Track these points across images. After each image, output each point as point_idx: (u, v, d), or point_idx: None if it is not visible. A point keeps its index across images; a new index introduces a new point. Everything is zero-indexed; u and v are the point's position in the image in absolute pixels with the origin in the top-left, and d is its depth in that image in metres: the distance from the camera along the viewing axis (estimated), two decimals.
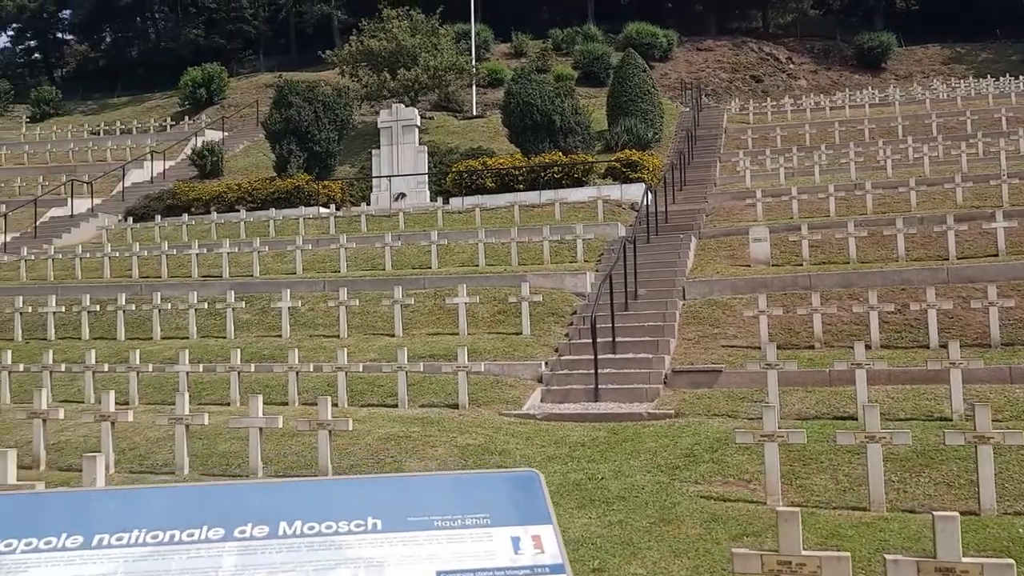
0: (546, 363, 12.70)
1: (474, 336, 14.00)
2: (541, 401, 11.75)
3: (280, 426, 8.57)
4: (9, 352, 13.13)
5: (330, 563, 1.75)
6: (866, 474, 7.20)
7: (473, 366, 11.26)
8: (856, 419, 9.62)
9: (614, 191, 21.56)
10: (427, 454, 8.98)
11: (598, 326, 12.20)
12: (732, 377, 11.53)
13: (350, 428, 8.52)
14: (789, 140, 27.53)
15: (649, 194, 18.79)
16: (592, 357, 11.92)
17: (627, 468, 8.31)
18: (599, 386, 11.66)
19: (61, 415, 9.25)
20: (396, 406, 11.33)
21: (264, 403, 8.85)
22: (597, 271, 16.06)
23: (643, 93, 28.24)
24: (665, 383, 11.82)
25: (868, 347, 11.17)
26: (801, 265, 15.60)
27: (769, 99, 35.69)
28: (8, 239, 23.57)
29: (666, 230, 18.28)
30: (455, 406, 11.17)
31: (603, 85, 35.11)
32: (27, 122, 43.37)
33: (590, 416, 10.86)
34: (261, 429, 8.57)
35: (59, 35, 56.96)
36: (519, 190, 22.36)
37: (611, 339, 12.77)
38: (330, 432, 8.39)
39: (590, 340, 12.11)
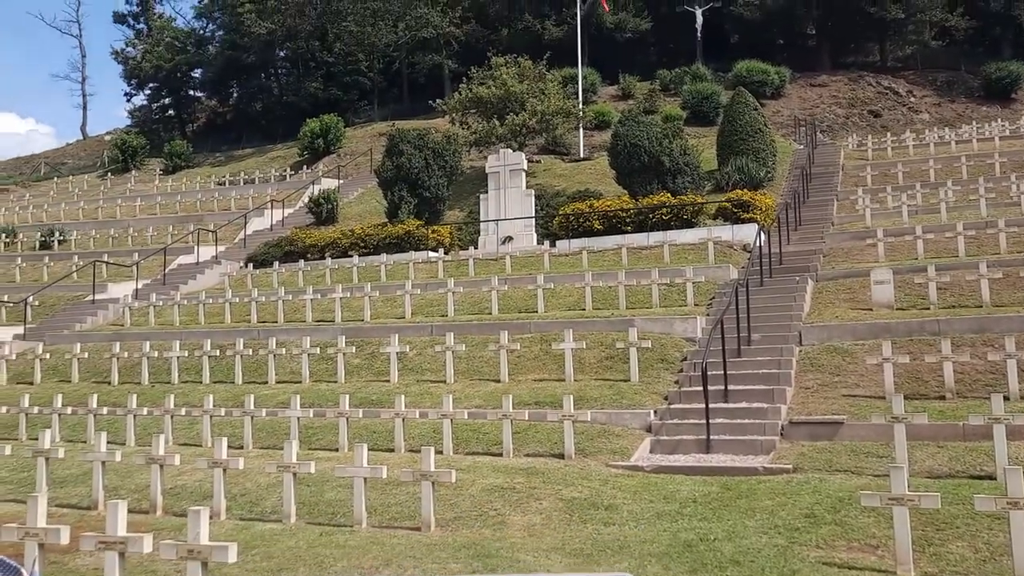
0: (655, 411, 12.30)
1: (580, 382, 13.75)
2: (650, 452, 11.36)
3: (384, 476, 8.54)
4: (135, 396, 13.68)
5: None
6: (1009, 543, 6.56)
7: (579, 415, 11.01)
8: (995, 479, 8.86)
9: (725, 232, 20.99)
10: (531, 507, 8.76)
11: (709, 373, 11.75)
12: (855, 429, 10.86)
13: (453, 480, 8.41)
14: (912, 176, 26.29)
15: (762, 235, 18.18)
16: (703, 406, 11.48)
17: (742, 528, 7.86)
18: (711, 437, 11.19)
19: (177, 461, 9.50)
20: (501, 455, 11.17)
21: (370, 450, 8.86)
22: (708, 315, 15.58)
23: (754, 131, 27.60)
24: (781, 435, 11.23)
25: (1006, 399, 10.33)
26: (928, 309, 14.70)
27: (889, 134, 34.30)
28: (140, 286, 24.84)
29: (780, 272, 17.62)
30: (561, 456, 10.92)
31: (712, 124, 34.60)
32: (160, 174, 46.09)
33: (701, 469, 10.41)
34: (366, 479, 8.56)
35: (191, 92, 60.54)
36: (627, 232, 22.07)
37: (723, 387, 12.29)
38: (433, 483, 8.31)
39: (701, 388, 11.67)
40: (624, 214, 22.46)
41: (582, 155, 34.28)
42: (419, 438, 12.12)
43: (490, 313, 17.90)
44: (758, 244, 17.75)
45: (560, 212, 23.89)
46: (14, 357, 19.50)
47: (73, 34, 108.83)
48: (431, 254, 23.86)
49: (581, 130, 34.87)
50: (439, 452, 10.28)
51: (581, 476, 9.91)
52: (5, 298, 24.44)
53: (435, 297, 19.33)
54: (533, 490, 9.28)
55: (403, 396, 12.08)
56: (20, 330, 22.00)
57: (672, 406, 12.45)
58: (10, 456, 11.18)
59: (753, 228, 20.65)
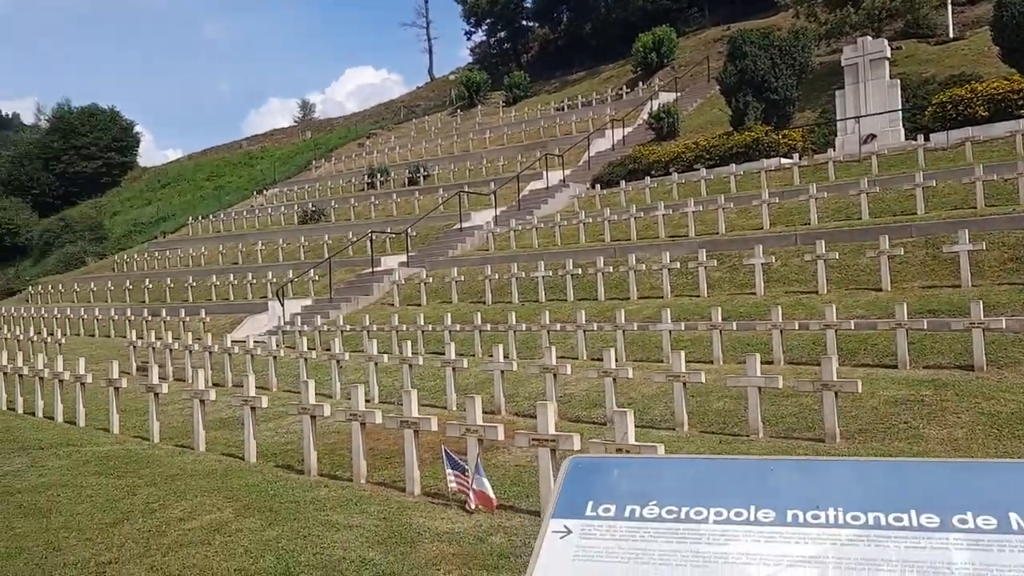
0: None
1: (980, 288, 12.25)
2: None
3: (779, 386, 8.25)
4: (513, 313, 14.66)
5: None
6: None
7: (991, 321, 9.78)
8: None
9: None
10: (948, 421, 7.97)
11: None
12: None
13: (859, 390, 7.89)
14: None
15: None
16: None
17: None
18: None
19: (569, 370, 9.97)
20: (895, 367, 10.32)
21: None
22: None
23: None
24: None
25: None
26: None
27: None
28: (498, 213, 26.53)
29: None
30: (969, 367, 9.82)
31: None
32: (503, 106, 48.64)
33: None
34: (760, 388, 8.33)
35: (524, 22, 62.74)
36: (1020, 116, 19.13)
37: None
38: (836, 394, 7.86)
39: None
40: (1016, 96, 19.46)
41: (951, 35, 30.23)
42: (796, 350, 11.64)
43: (860, 218, 16.59)
44: None
45: (933, 101, 21.31)
46: (403, 282, 21.86)
47: None
48: (783, 160, 22.61)
49: (949, 6, 30.70)
50: (816, 365, 9.73)
51: (1000, 388, 8.82)
52: (388, 230, 27.42)
53: (793, 205, 18.34)
54: (944, 403, 8.44)
55: (777, 308, 11.59)
56: (404, 258, 24.58)
57: None
58: (422, 366, 12.53)
59: None
